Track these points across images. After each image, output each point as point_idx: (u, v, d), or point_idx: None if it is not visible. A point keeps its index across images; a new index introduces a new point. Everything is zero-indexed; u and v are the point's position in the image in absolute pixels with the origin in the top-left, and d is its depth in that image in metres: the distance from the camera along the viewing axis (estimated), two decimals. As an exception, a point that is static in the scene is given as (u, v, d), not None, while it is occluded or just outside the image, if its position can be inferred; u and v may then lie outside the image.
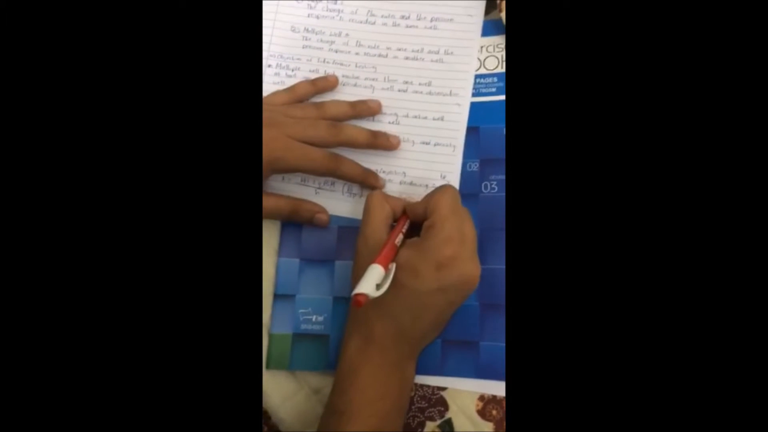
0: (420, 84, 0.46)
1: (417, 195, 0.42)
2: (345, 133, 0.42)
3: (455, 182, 0.43)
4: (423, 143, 0.44)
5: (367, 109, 0.45)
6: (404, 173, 0.44)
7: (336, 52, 0.48)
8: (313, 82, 0.46)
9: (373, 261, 0.34)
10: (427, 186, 0.43)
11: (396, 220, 0.39)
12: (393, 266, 0.34)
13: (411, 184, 0.43)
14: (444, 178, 0.43)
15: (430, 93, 0.46)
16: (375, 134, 0.43)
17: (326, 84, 0.46)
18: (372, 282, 0.32)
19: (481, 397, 0.39)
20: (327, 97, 0.46)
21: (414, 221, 0.38)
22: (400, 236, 0.37)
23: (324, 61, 0.48)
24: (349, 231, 0.43)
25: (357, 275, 0.36)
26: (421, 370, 0.39)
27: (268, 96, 0.45)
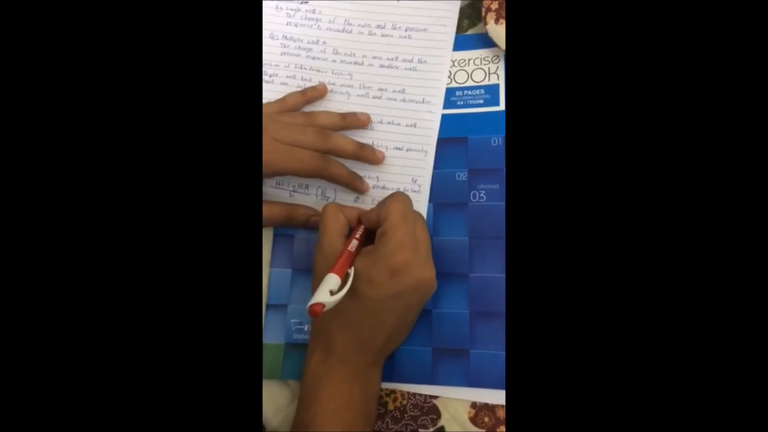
0: (394, 91, 0.47)
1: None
2: (333, 141, 0.42)
3: (426, 186, 0.44)
4: (396, 149, 0.46)
5: (357, 121, 0.46)
6: (377, 177, 0.45)
7: (313, 59, 0.49)
8: (303, 91, 0.47)
9: (328, 271, 0.34)
10: (398, 190, 0.44)
11: (352, 228, 0.39)
12: (352, 271, 0.34)
13: (383, 188, 0.45)
14: (415, 182, 0.44)
15: (403, 100, 0.47)
16: (362, 146, 0.44)
17: (316, 93, 0.47)
18: (326, 291, 0.32)
19: (474, 405, 0.39)
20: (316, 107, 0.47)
21: (369, 229, 0.39)
22: (355, 242, 0.37)
23: (301, 68, 0.49)
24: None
25: (315, 287, 0.36)
26: (412, 379, 0.39)
27: None
